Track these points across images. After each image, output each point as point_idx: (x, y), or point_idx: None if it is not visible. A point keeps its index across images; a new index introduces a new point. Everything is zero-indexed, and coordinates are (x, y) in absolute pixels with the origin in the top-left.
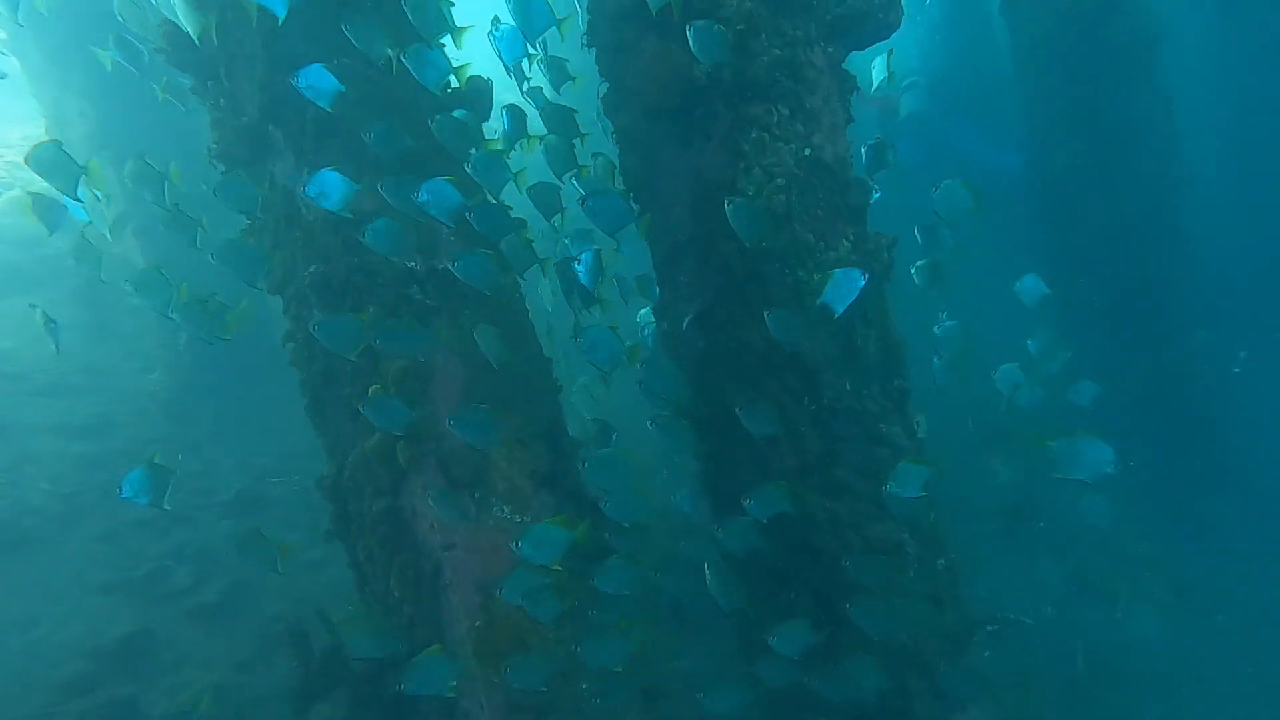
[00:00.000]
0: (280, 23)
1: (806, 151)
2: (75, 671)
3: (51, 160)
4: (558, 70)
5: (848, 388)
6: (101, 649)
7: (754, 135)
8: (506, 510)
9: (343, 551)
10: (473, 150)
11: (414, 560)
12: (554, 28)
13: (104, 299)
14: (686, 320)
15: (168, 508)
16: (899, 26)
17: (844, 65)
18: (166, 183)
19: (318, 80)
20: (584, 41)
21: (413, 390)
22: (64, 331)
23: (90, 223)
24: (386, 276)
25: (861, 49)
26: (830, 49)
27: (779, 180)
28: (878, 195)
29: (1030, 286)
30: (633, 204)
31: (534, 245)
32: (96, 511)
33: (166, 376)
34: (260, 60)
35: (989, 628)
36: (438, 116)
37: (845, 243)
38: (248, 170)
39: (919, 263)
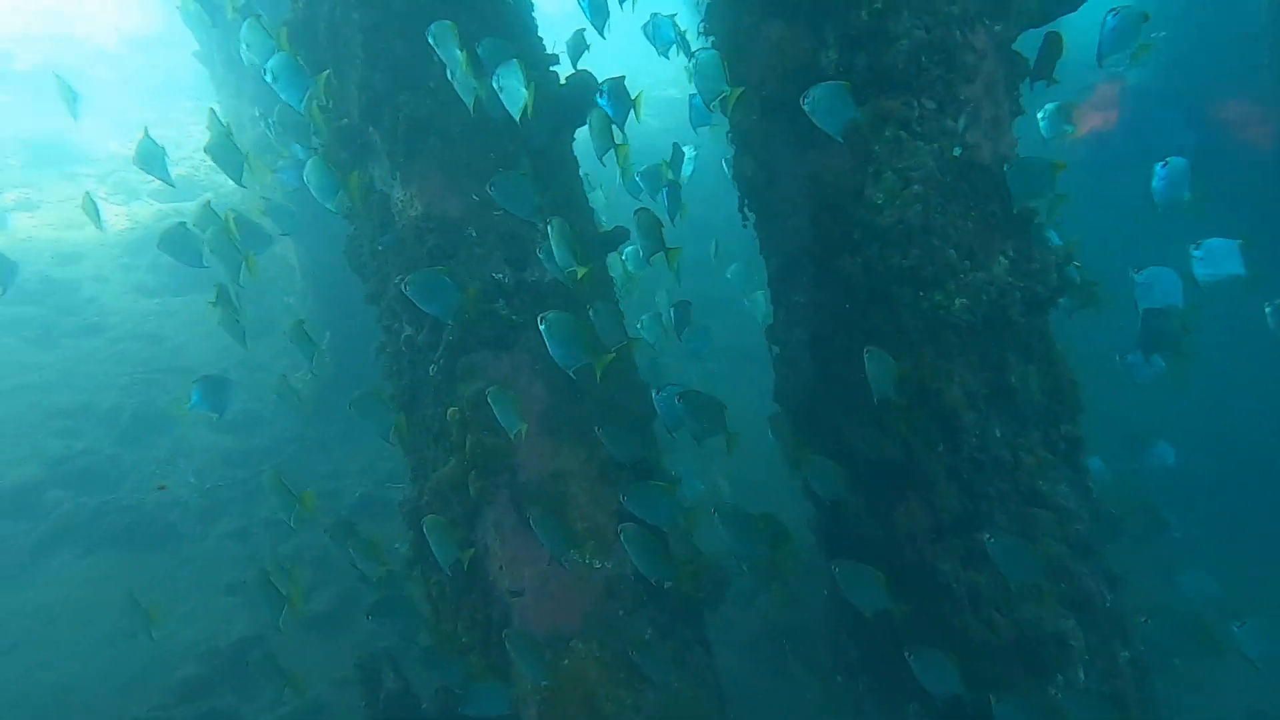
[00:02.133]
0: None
1: (956, 151)
2: (188, 675)
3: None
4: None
5: (997, 434)
6: (216, 652)
7: (888, 134)
8: (584, 553)
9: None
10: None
11: (483, 603)
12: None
13: (268, 296)
14: (796, 342)
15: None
16: None
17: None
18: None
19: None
20: (701, 29)
21: (488, 415)
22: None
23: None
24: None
25: (1040, 26)
26: (998, 27)
27: (915, 187)
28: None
29: None
30: (746, 211)
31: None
32: (233, 509)
33: (310, 375)
34: (360, 60)
35: None
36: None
37: (1002, 259)
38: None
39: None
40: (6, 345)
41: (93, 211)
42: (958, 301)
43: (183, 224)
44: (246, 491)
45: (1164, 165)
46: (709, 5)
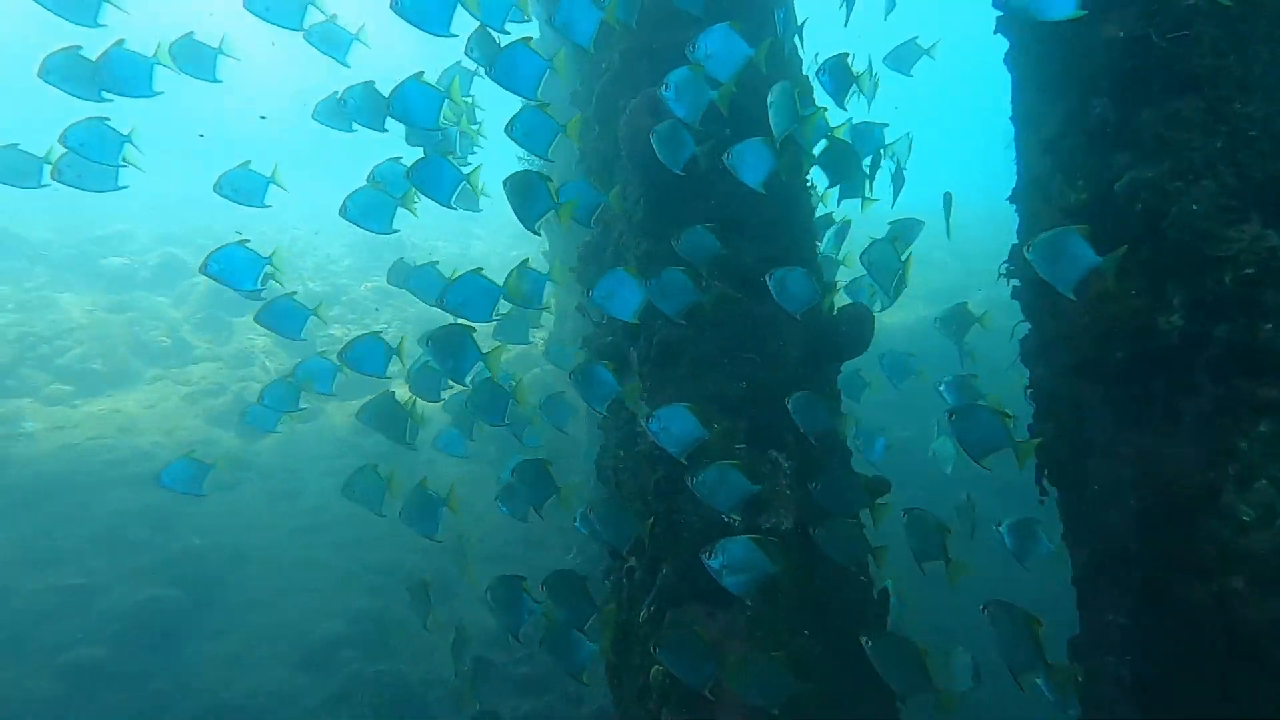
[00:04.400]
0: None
1: None
2: None
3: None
4: None
5: None
6: None
7: (1262, 429)
8: None
9: None
10: None
11: None
12: None
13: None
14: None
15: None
16: None
17: None
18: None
19: None
20: (1003, 270)
21: (688, 691)
22: None
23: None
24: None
25: None
26: None
27: None
28: None
29: None
30: (1046, 485)
31: None
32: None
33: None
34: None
35: None
36: None
37: None
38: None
39: None
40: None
41: None
42: None
43: None
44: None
45: None
46: (1012, 249)
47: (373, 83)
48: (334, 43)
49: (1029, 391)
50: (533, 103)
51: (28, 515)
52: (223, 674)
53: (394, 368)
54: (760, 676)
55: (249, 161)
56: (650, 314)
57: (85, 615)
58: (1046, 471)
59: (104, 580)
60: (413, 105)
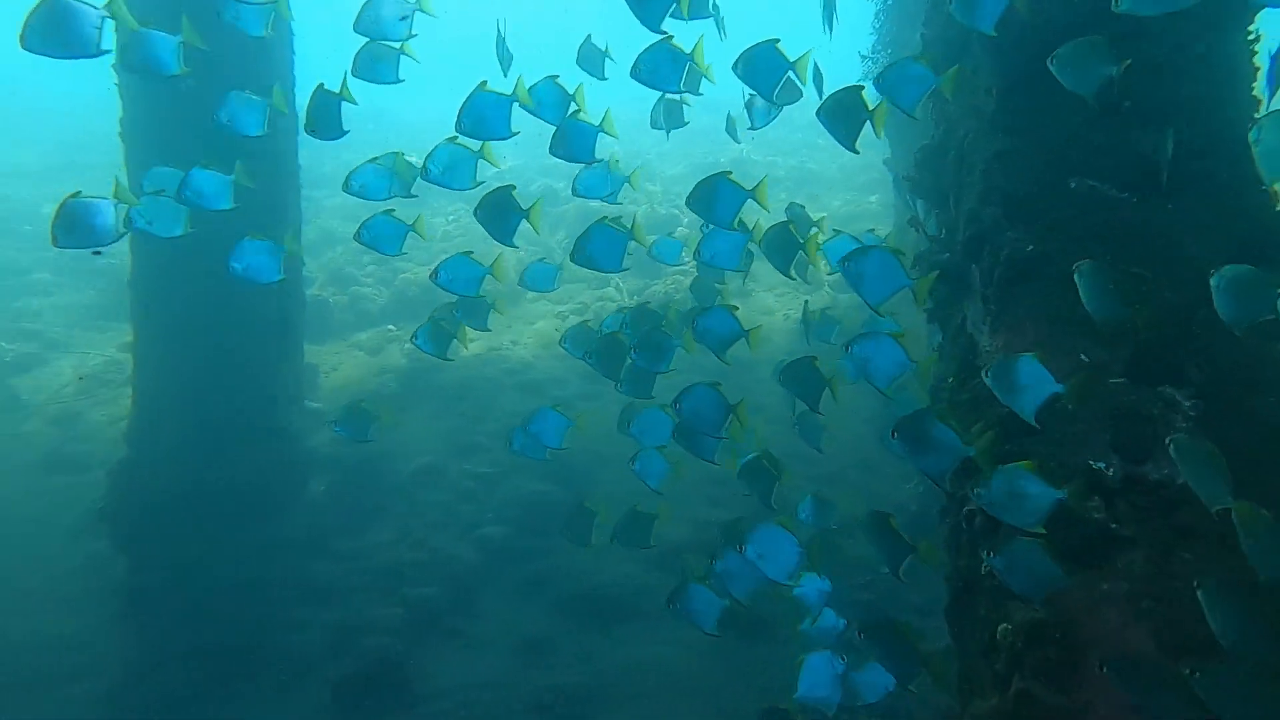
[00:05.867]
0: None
1: None
2: None
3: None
4: None
5: None
6: None
7: None
8: None
9: None
10: None
11: None
12: None
13: None
14: None
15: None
16: None
17: None
18: None
19: None
20: None
21: (1046, 656)
22: None
23: None
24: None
25: None
26: None
27: None
28: None
29: None
30: None
31: None
32: None
33: None
34: (975, 190)
35: None
36: None
37: None
38: (944, 312)
39: None
40: None
41: None
42: None
43: None
44: None
45: None
46: None
47: None
48: None
49: None
50: None
51: (452, 411)
52: (591, 563)
53: None
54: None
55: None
56: (998, 222)
57: (491, 499)
58: None
59: (504, 471)
60: None
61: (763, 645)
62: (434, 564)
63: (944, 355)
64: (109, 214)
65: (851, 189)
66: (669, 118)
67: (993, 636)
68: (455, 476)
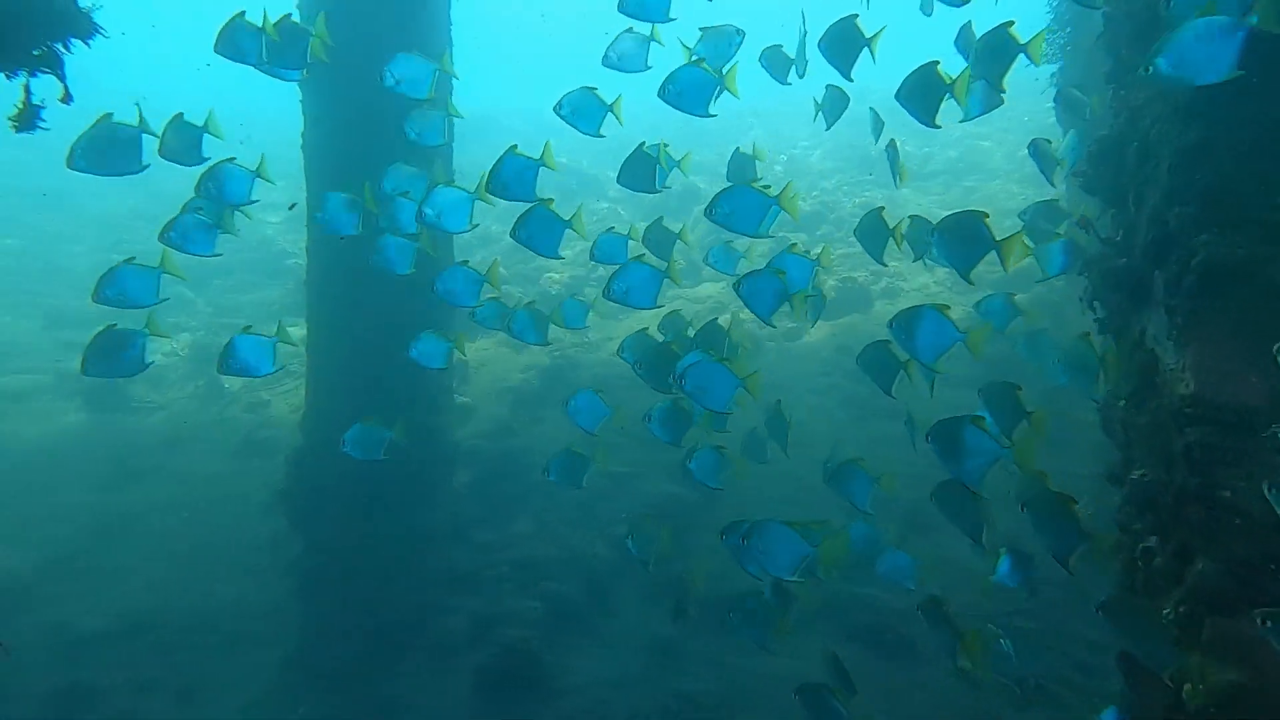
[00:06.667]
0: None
1: None
2: None
3: None
4: None
5: None
6: None
7: None
8: None
9: None
10: None
11: None
12: None
13: None
14: None
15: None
16: None
17: None
18: None
19: None
20: None
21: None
22: None
23: None
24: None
25: None
26: None
27: None
28: None
29: None
30: None
31: None
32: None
33: None
34: (1161, 186)
35: None
36: None
37: None
38: (1118, 322)
39: None
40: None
41: None
42: None
43: None
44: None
45: None
46: None
47: None
48: None
49: None
50: None
51: None
52: (726, 568)
53: None
54: None
55: None
56: (1188, 223)
57: (624, 498)
58: None
59: (639, 470)
60: None
61: (903, 667)
62: (571, 560)
63: (1115, 369)
64: (138, 345)
65: (1013, 181)
66: (830, 110)
67: (1179, 699)
68: (594, 476)
